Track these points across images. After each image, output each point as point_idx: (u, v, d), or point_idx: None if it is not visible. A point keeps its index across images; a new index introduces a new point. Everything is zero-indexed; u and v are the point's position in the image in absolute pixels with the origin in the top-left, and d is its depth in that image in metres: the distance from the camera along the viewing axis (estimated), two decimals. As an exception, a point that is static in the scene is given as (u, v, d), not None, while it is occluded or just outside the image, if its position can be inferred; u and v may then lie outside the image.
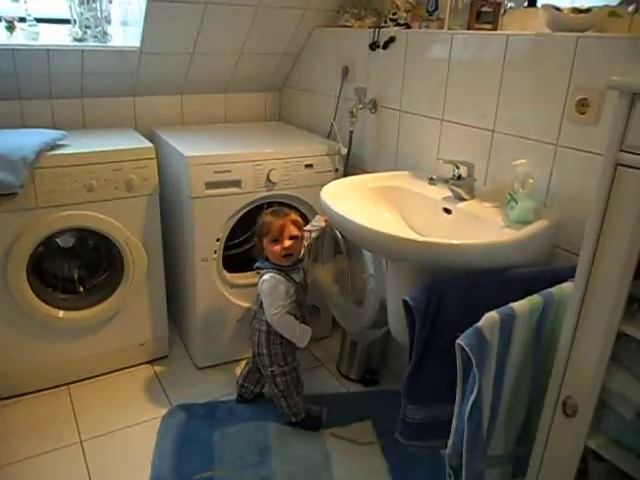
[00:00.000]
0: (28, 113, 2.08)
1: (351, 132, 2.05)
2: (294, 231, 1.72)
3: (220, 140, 2.16)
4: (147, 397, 1.99)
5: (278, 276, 1.71)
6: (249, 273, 2.13)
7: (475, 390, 1.09)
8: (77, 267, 2.06)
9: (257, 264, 1.77)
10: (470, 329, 1.09)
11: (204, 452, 1.74)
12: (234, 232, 2.05)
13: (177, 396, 1.99)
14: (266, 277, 1.71)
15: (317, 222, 1.91)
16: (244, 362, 1.99)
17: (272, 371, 1.78)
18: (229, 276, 2.08)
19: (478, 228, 1.42)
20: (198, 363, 2.16)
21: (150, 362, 2.17)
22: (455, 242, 1.25)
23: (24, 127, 1.99)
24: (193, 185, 1.86)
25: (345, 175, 2.14)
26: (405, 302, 1.24)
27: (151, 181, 1.91)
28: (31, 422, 1.83)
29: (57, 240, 1.96)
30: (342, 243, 2.01)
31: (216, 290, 2.04)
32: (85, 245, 2.03)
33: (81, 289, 2.00)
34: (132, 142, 1.97)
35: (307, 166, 2.04)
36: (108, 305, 1.96)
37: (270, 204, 2.04)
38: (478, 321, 1.15)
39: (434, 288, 1.23)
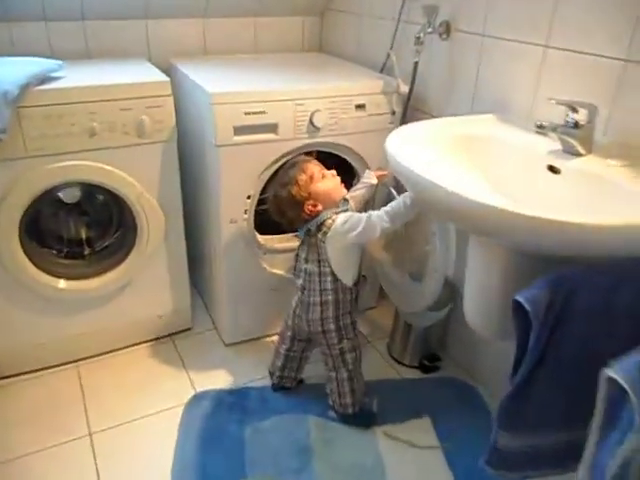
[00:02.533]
0: (19, 39, 1.71)
1: (416, 64, 1.63)
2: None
3: (251, 74, 1.76)
4: (167, 379, 1.71)
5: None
6: (285, 236, 1.79)
7: (632, 441, 0.75)
8: (84, 226, 1.74)
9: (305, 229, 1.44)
10: (630, 359, 0.73)
11: (234, 453, 1.46)
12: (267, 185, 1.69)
13: (202, 378, 1.71)
14: (341, 218, 1.38)
15: (367, 178, 1.54)
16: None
17: (341, 348, 1.49)
18: (262, 239, 1.74)
19: (605, 197, 1.03)
20: (226, 339, 1.86)
21: (171, 335, 1.89)
22: (593, 222, 0.87)
23: (13, 55, 1.62)
24: (219, 130, 1.49)
25: (404, 120, 1.74)
26: (517, 303, 0.89)
27: (167, 124, 1.54)
28: (33, 410, 1.57)
29: (59, 195, 1.63)
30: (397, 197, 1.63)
31: (247, 256, 1.71)
32: (93, 200, 1.70)
33: (87, 252, 1.69)
34: (144, 75, 1.60)
35: (358, 107, 1.65)
36: (119, 273, 1.65)
37: (310, 154, 1.67)
38: (621, 333, 0.80)
39: (560, 287, 0.87)
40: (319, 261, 1.41)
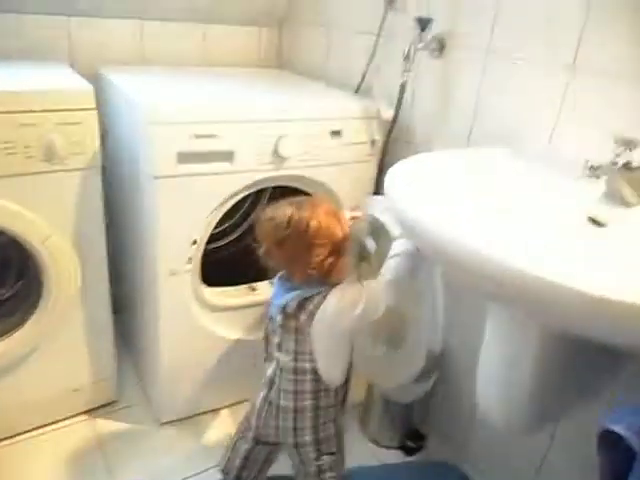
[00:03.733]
0: None
1: (402, 86, 1.35)
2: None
3: (200, 88, 1.43)
4: (78, 474, 1.31)
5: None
6: (241, 288, 1.46)
7: None
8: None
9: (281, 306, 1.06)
10: None
11: None
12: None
13: (127, 472, 1.32)
14: (334, 294, 1.02)
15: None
16: (222, 416, 1.30)
17: (320, 466, 1.12)
18: (210, 293, 1.39)
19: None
20: (161, 416, 1.48)
21: (89, 411, 1.48)
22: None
23: None
24: (158, 157, 1.14)
25: (385, 152, 1.45)
26: (609, 433, 0.59)
27: (88, 146, 1.18)
28: None
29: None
30: (373, 252, 1.32)
31: (190, 316, 1.35)
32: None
33: (-28, 316, 1.28)
34: (56, 81, 1.23)
35: (334, 134, 1.35)
36: (20, 337, 1.25)
37: (275, 191, 1.35)
38: None
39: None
40: (296, 353, 1.05)
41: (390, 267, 1.07)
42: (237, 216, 1.65)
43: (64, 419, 1.44)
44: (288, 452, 1.15)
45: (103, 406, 1.50)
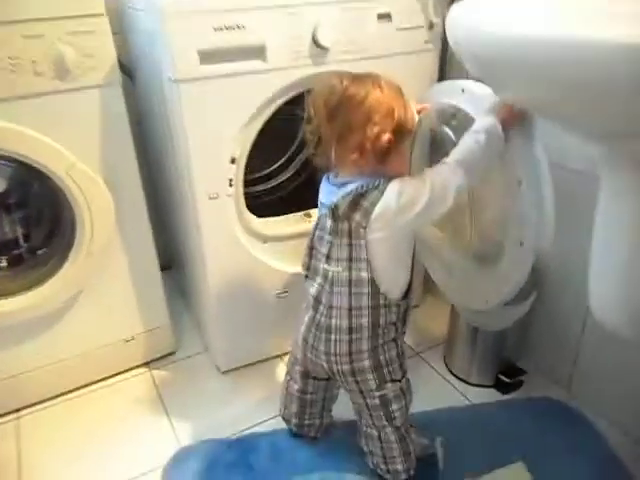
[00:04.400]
0: None
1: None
2: None
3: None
4: (141, 428, 1.21)
5: None
6: (293, 216, 1.30)
7: None
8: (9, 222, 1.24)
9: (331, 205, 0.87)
10: None
11: None
12: (258, 150, 1.18)
13: (189, 424, 1.21)
14: (392, 187, 0.84)
15: None
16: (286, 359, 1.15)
17: (383, 396, 0.95)
18: (258, 222, 1.24)
19: None
20: (222, 364, 1.35)
21: (147, 364, 1.39)
22: None
23: None
24: (177, 56, 0.98)
25: (445, 39, 1.22)
26: None
27: (103, 60, 1.04)
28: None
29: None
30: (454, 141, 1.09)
31: (238, 246, 1.20)
32: (15, 183, 1.21)
33: (4, 263, 1.19)
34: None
35: (381, 17, 1.13)
36: (57, 283, 1.15)
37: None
38: None
39: None
40: (350, 260, 0.87)
41: (464, 145, 0.87)
42: (281, 139, 1.46)
43: (121, 372, 1.35)
44: (345, 387, 0.98)
45: (161, 358, 1.40)
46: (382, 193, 0.83)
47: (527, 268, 0.98)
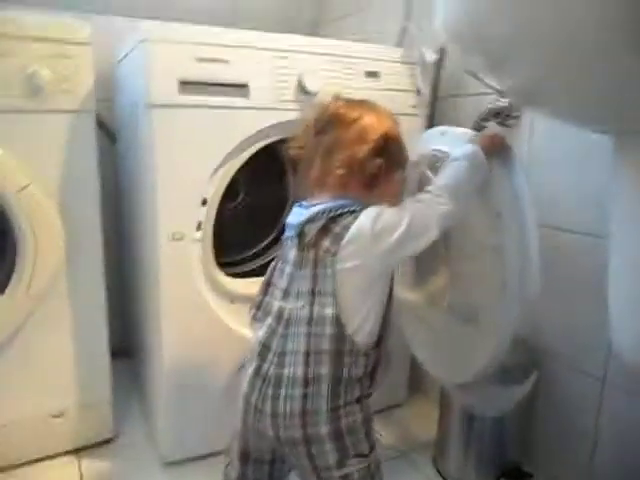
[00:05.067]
0: None
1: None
2: None
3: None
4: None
5: None
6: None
7: None
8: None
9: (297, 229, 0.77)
10: None
11: None
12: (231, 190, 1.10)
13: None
14: (369, 212, 0.75)
15: None
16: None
17: (345, 476, 0.74)
18: (226, 279, 1.11)
19: None
20: (166, 455, 1.12)
21: (77, 452, 1.14)
22: None
23: None
24: (155, 81, 0.94)
25: (433, 105, 1.22)
26: None
27: (79, 85, 1.00)
28: None
29: None
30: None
31: (200, 303, 1.06)
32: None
33: None
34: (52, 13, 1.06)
35: (370, 75, 1.13)
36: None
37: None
38: None
39: None
40: (312, 295, 0.74)
41: (446, 172, 0.79)
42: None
43: (40, 459, 1.10)
44: (295, 462, 0.77)
45: (95, 445, 1.16)
46: (356, 219, 0.74)
47: (513, 314, 0.84)
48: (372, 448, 0.76)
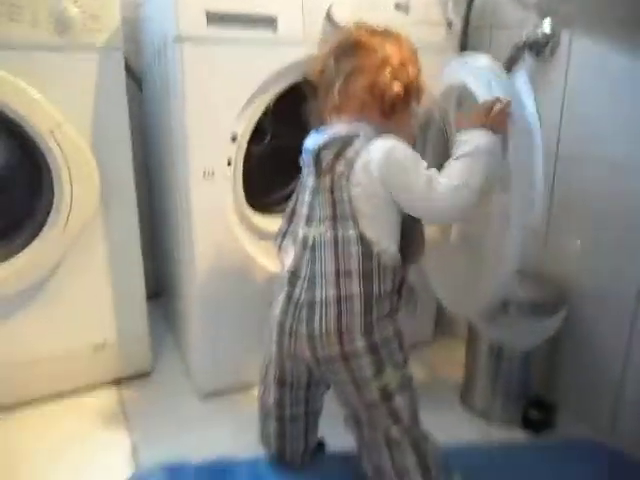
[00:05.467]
0: None
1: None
2: None
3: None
4: (97, 450, 1.01)
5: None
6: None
7: None
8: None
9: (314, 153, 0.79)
10: None
11: None
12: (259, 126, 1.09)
13: (154, 449, 1.01)
14: (384, 142, 0.76)
15: None
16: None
17: (384, 387, 0.77)
18: (257, 216, 1.12)
19: None
20: (201, 387, 1.17)
21: (118, 383, 1.20)
22: None
23: None
24: (182, 12, 0.93)
25: (464, 40, 1.19)
26: None
27: (107, 23, 0.99)
28: None
29: None
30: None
31: (231, 238, 1.08)
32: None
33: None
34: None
35: (398, 7, 1.10)
36: (18, 267, 1.01)
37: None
38: None
39: None
40: (334, 219, 0.76)
41: (461, 164, 0.76)
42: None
43: (85, 389, 1.16)
44: (334, 380, 0.80)
45: (134, 378, 1.21)
46: (369, 141, 0.76)
47: (516, 244, 0.83)
48: (406, 360, 0.80)
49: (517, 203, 0.82)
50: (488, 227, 0.90)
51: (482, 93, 0.86)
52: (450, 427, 1.06)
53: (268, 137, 1.31)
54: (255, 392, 1.14)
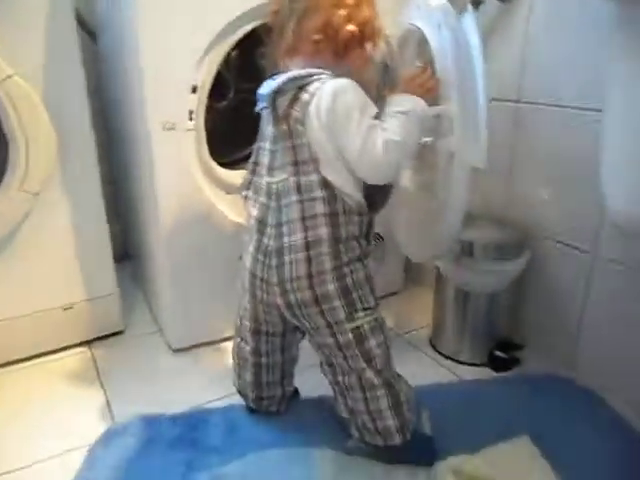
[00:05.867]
0: None
1: None
2: None
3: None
4: (73, 406, 1.01)
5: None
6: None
7: None
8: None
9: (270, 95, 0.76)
10: None
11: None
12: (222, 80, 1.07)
13: (129, 402, 1.01)
14: (334, 84, 0.75)
15: None
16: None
17: (356, 329, 0.78)
18: (221, 170, 1.11)
19: None
20: (173, 342, 1.17)
21: (89, 343, 1.20)
22: None
23: None
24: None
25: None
26: None
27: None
28: None
29: None
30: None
31: (196, 191, 1.07)
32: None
33: None
34: None
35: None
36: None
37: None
38: None
39: None
40: (295, 164, 0.75)
41: (399, 126, 0.75)
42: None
43: (56, 351, 1.16)
44: (308, 325, 0.80)
45: (105, 337, 1.21)
46: (323, 83, 0.74)
47: (462, 184, 0.85)
48: (377, 303, 0.81)
49: (460, 144, 0.83)
50: (437, 172, 0.91)
51: (432, 36, 0.86)
52: (420, 370, 1.09)
53: (232, 92, 1.29)
54: (226, 345, 1.17)
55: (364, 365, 0.79)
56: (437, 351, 1.17)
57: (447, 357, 1.15)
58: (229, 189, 1.10)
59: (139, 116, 1.01)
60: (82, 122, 1.04)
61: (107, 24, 1.16)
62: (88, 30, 1.32)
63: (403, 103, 0.77)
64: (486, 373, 1.09)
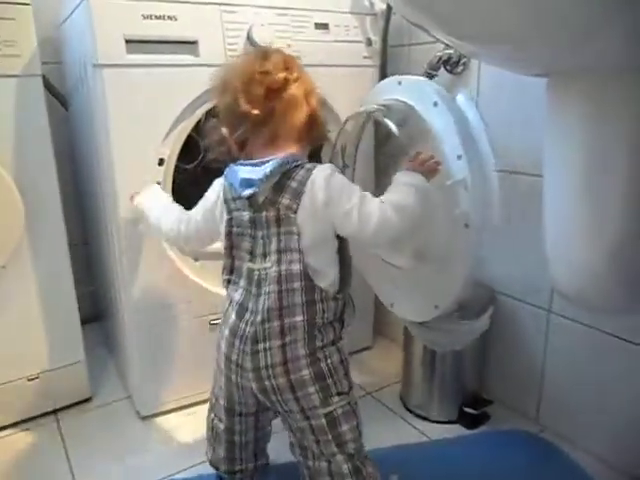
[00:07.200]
0: None
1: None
2: None
3: None
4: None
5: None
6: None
7: None
8: None
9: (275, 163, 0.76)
10: None
11: None
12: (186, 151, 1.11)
13: (95, 475, 0.99)
14: (324, 169, 0.78)
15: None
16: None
17: (329, 414, 0.78)
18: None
19: None
20: (142, 409, 1.16)
21: (55, 413, 1.18)
22: None
23: None
24: (101, 40, 0.93)
25: (384, 55, 1.23)
26: None
27: (23, 49, 0.98)
28: None
29: None
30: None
31: (165, 261, 1.08)
32: None
33: None
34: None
35: (320, 27, 1.14)
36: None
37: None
38: None
39: None
40: (279, 252, 0.76)
41: (394, 191, 0.81)
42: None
43: (19, 422, 1.13)
44: (281, 409, 0.81)
45: (72, 405, 1.19)
46: (309, 171, 0.76)
47: (474, 250, 0.89)
48: (351, 386, 0.82)
49: (474, 206, 0.88)
50: (445, 236, 0.95)
51: (428, 114, 0.93)
52: (390, 429, 1.10)
53: (200, 157, 1.33)
54: (195, 409, 1.16)
55: (335, 450, 0.79)
56: (407, 408, 1.18)
57: (417, 415, 1.16)
58: (195, 255, 1.12)
59: (108, 187, 1.03)
60: (51, 194, 1.06)
61: (77, 95, 1.19)
62: (59, 96, 1.35)
63: (406, 177, 0.81)
64: (456, 430, 1.10)
